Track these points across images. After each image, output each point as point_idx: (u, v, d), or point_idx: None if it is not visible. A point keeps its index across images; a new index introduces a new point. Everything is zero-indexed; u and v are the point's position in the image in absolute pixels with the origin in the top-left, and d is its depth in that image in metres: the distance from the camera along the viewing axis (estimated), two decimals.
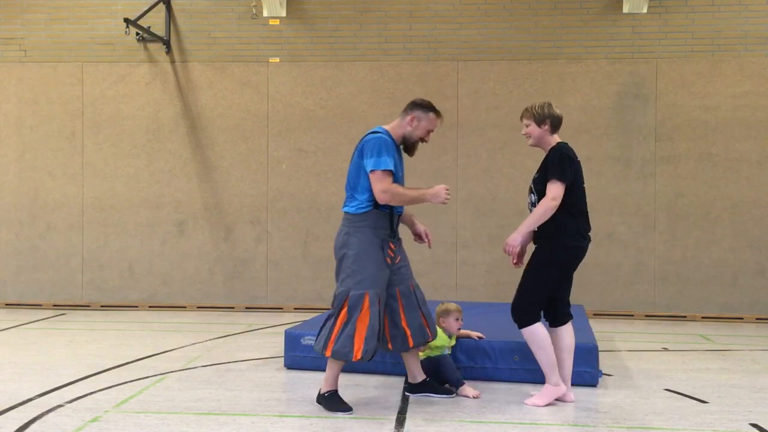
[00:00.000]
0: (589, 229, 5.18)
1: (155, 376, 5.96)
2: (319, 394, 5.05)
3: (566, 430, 4.63)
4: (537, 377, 5.42)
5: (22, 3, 10.50)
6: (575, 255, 5.11)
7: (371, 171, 4.86)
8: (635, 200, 9.87)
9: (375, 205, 4.95)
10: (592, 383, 5.69)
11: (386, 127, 5.10)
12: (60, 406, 5.01)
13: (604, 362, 6.48)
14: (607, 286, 9.87)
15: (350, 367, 5.51)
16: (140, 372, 6.11)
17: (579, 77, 9.94)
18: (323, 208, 10.15)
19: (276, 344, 7.30)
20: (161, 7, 10.17)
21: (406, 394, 5.38)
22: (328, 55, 10.24)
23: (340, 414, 4.84)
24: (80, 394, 5.32)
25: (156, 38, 10.22)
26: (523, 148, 9.66)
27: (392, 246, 5.04)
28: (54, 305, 10.34)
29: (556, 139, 5.20)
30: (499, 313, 6.82)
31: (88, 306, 10.33)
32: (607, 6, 9.97)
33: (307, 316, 9.23)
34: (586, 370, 5.68)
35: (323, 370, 5.12)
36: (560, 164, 4.99)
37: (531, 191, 5.19)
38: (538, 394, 5.17)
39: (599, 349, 5.91)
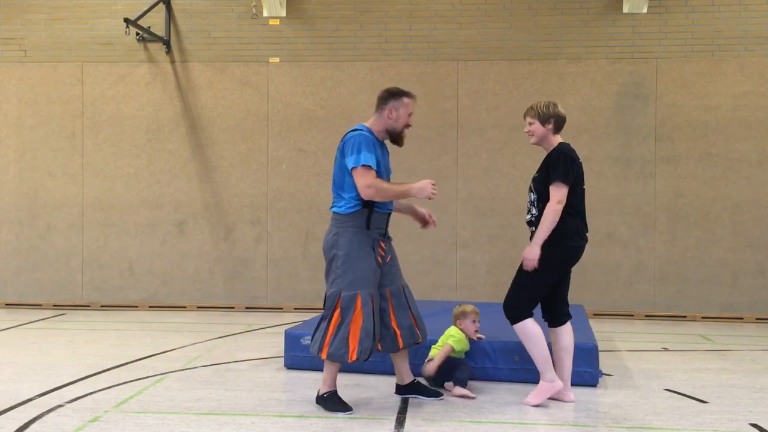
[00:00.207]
0: (586, 229, 5.19)
1: (155, 376, 5.96)
2: (318, 395, 5.04)
3: (566, 430, 4.64)
4: (537, 377, 5.40)
5: (22, 3, 10.50)
6: (573, 255, 5.11)
7: (353, 168, 4.82)
8: (635, 200, 9.86)
9: (363, 203, 4.89)
10: (592, 383, 5.70)
11: (366, 123, 5.05)
12: (60, 406, 5.01)
13: (604, 362, 6.48)
14: (607, 286, 9.87)
15: (349, 367, 5.51)
16: (140, 372, 6.11)
17: (579, 77, 9.94)
18: (323, 208, 10.12)
19: (276, 344, 7.30)
20: (161, 7, 10.17)
21: (395, 395, 5.36)
22: (328, 55, 10.23)
23: (339, 414, 4.83)
24: (80, 394, 5.32)
25: (156, 38, 10.22)
26: (523, 148, 9.67)
27: (383, 245, 5.01)
28: (54, 305, 10.33)
29: (558, 139, 5.19)
30: (499, 313, 6.73)
31: (88, 306, 10.32)
32: (607, 6, 9.97)
33: (307, 316, 9.22)
34: (586, 370, 5.69)
35: (323, 369, 5.09)
36: (562, 166, 4.99)
37: (531, 190, 5.19)
38: (532, 392, 5.17)
39: (599, 349, 5.91)
